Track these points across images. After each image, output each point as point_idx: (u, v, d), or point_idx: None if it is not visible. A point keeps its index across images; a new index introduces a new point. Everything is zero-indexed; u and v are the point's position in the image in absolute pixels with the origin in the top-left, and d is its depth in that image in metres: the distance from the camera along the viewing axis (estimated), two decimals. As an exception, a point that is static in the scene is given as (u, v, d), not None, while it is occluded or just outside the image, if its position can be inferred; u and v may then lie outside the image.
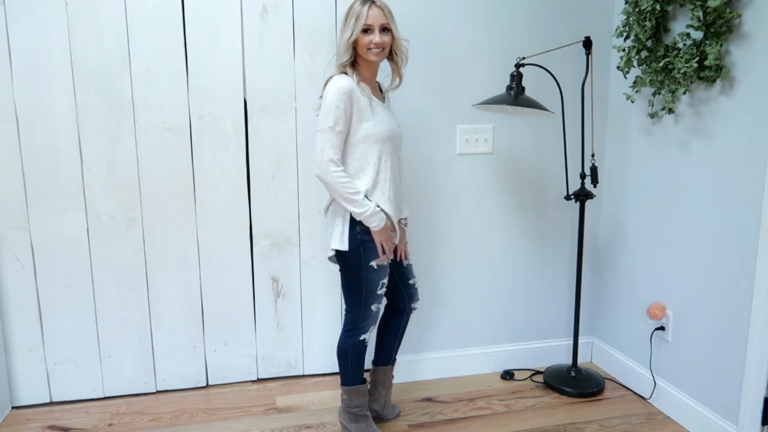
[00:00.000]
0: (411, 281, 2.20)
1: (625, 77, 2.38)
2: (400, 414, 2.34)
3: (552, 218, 2.67)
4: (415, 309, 2.24)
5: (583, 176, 2.46)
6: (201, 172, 2.37)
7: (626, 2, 2.26)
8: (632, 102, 2.36)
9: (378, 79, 2.09)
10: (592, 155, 2.46)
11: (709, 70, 2.00)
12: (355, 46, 1.91)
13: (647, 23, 2.17)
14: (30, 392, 2.38)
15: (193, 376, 2.52)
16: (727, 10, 1.92)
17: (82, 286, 2.35)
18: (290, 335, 2.58)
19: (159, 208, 2.36)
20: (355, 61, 1.95)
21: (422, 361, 2.63)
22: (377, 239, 1.95)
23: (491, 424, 2.28)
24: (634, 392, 2.51)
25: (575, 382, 2.54)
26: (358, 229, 1.94)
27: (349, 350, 2.06)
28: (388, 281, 2.12)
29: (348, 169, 1.93)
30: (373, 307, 2.02)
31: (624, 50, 2.31)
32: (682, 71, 2.05)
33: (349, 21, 1.89)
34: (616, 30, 2.33)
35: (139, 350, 2.45)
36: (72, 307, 2.36)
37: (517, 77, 2.27)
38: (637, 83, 2.28)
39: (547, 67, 2.36)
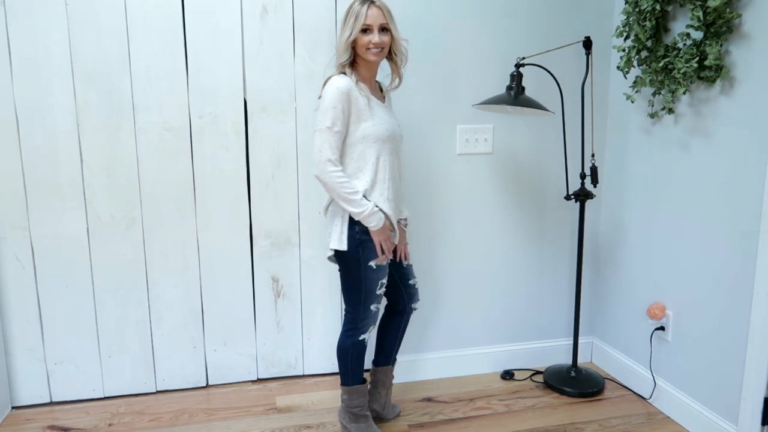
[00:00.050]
0: (411, 281, 2.20)
1: (625, 77, 2.37)
2: (400, 414, 2.34)
3: (552, 218, 2.67)
4: (415, 309, 2.24)
5: (583, 176, 2.46)
6: (201, 172, 2.37)
7: (626, 2, 2.26)
8: (632, 102, 2.36)
9: (378, 79, 2.09)
10: (592, 155, 2.46)
11: (709, 70, 2.00)
12: (354, 46, 1.91)
13: (647, 23, 2.17)
14: (30, 392, 2.38)
15: (193, 376, 2.52)
16: (727, 10, 1.91)
17: (82, 286, 2.35)
18: (290, 335, 2.58)
19: (159, 208, 2.36)
20: (354, 61, 1.95)
21: (422, 361, 2.63)
22: (376, 239, 1.94)
23: (491, 424, 2.28)
24: (634, 392, 2.51)
25: (575, 382, 2.54)
26: (357, 229, 1.94)
27: (348, 350, 2.06)
28: (388, 281, 2.12)
29: (346, 169, 1.94)
30: (373, 307, 2.02)
31: (624, 50, 2.31)
32: (682, 71, 2.05)
33: (348, 21, 1.89)
34: (616, 30, 2.33)
35: (139, 350, 2.45)
36: (72, 307, 2.36)
37: (517, 77, 2.27)
38: (637, 83, 2.28)
39: (547, 67, 2.36)
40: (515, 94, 2.25)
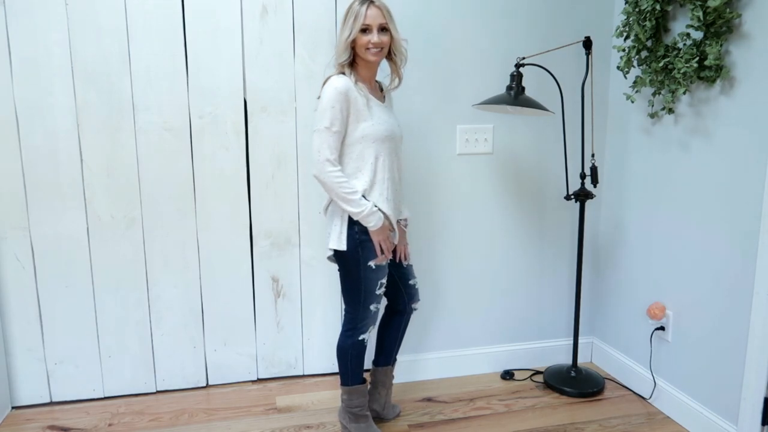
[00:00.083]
0: (411, 282, 2.20)
1: (625, 77, 2.37)
2: (400, 414, 2.34)
3: (552, 218, 2.67)
4: (415, 309, 2.24)
5: (583, 176, 2.46)
6: (201, 172, 2.37)
7: (626, 2, 2.26)
8: (632, 102, 2.36)
9: (378, 79, 2.09)
10: (592, 155, 2.46)
11: (709, 70, 2.00)
12: (353, 46, 1.91)
13: (647, 23, 2.17)
14: (30, 392, 2.39)
15: (193, 376, 2.52)
16: (727, 10, 1.91)
17: (82, 286, 2.35)
18: (290, 335, 2.58)
19: (159, 208, 2.36)
20: (354, 61, 1.95)
21: (422, 361, 2.63)
22: (375, 239, 1.94)
23: (491, 424, 2.28)
24: (634, 392, 2.51)
25: (575, 382, 2.54)
26: (356, 229, 1.94)
27: (348, 350, 2.06)
28: (388, 281, 2.12)
29: (345, 169, 1.94)
30: (372, 307, 2.02)
31: (624, 50, 2.31)
32: (682, 71, 2.05)
33: (347, 20, 1.89)
34: (616, 30, 2.33)
35: (139, 350, 2.45)
36: (72, 307, 2.36)
37: (517, 77, 2.27)
38: (637, 83, 2.28)
39: (547, 67, 2.36)
40: (515, 94, 2.26)
